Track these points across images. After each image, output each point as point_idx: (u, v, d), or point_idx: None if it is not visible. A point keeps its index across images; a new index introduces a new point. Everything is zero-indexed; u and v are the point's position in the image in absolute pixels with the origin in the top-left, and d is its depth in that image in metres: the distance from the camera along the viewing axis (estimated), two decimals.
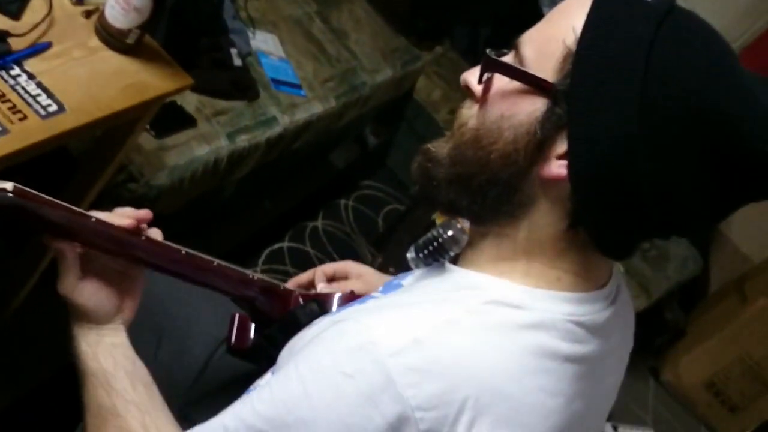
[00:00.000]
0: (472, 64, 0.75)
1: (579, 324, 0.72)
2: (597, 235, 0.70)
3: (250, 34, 2.07)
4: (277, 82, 2.05)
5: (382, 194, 2.85)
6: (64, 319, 0.82)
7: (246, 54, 1.99)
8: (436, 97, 2.81)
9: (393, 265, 2.02)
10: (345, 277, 1.12)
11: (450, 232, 1.89)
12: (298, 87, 2.12)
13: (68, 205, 0.77)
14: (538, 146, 0.67)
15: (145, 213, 0.85)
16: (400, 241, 2.10)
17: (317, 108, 2.13)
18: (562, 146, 0.67)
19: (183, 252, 0.88)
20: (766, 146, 0.62)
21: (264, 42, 2.13)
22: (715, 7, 3.17)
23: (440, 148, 0.75)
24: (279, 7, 2.34)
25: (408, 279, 0.87)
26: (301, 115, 2.05)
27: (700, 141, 0.63)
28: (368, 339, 0.66)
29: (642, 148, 0.63)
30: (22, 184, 0.73)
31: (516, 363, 0.68)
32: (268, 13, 2.26)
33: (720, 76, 0.63)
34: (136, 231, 0.82)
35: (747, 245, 3.16)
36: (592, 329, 0.73)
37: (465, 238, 1.87)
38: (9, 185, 0.72)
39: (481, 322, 0.68)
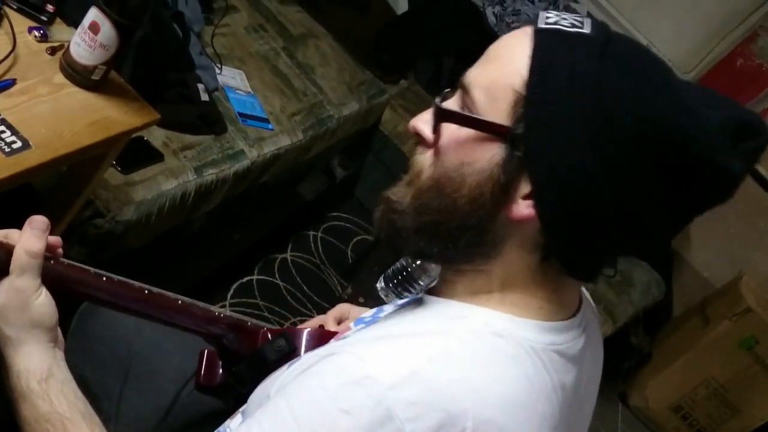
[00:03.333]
0: (435, 96, 0.75)
1: (559, 353, 0.73)
2: (569, 263, 0.71)
3: (217, 70, 2.08)
4: (245, 116, 2.06)
5: (351, 225, 2.86)
6: None
7: (213, 89, 2.00)
8: (402, 129, 2.85)
9: (362, 295, 2.02)
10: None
11: (418, 261, 1.91)
12: (266, 121, 2.14)
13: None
14: (502, 189, 0.68)
15: (56, 240, 0.81)
16: (369, 272, 2.10)
17: (285, 141, 2.15)
18: (525, 187, 0.68)
19: (146, 291, 0.86)
20: (711, 154, 0.64)
21: (231, 77, 2.15)
22: (671, 38, 3.29)
23: (402, 197, 0.75)
24: (245, 43, 2.36)
25: (383, 313, 0.87)
26: (268, 149, 2.06)
27: (653, 159, 0.65)
28: (364, 373, 0.64)
29: (602, 177, 0.65)
30: None
31: (510, 394, 0.68)
32: (235, 49, 2.28)
33: (663, 96, 0.65)
34: (51, 253, 0.79)
35: (708, 270, 3.22)
36: (570, 358, 0.74)
37: (434, 267, 1.89)
38: None
39: (473, 353, 0.68)
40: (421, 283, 1.93)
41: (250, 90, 2.18)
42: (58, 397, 0.74)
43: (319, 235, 2.71)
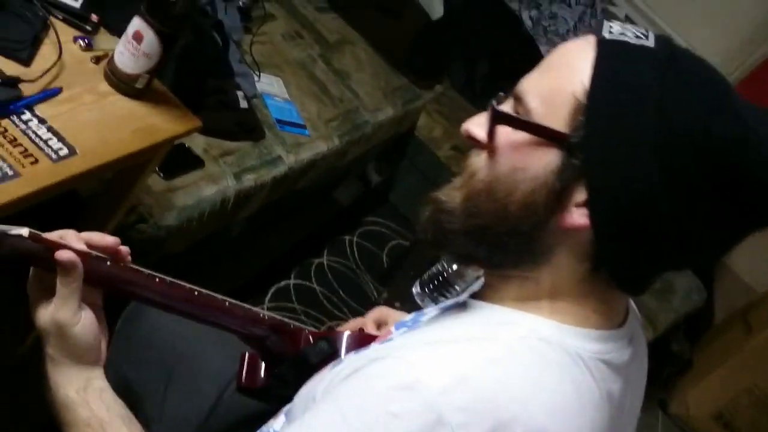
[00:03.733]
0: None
1: (606, 362, 0.72)
2: (619, 275, 0.71)
3: (256, 77, 2.11)
4: (282, 123, 2.08)
5: (386, 230, 2.86)
6: None
7: (251, 96, 2.03)
8: (437, 134, 2.85)
9: (398, 300, 2.02)
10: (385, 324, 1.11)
11: (455, 266, 1.90)
12: (303, 127, 2.16)
13: (84, 248, 0.78)
14: (556, 196, 0.68)
15: (124, 249, 0.83)
16: (405, 277, 2.11)
17: (321, 147, 2.16)
18: (580, 195, 0.67)
19: (195, 292, 0.88)
20: None
21: (269, 84, 2.17)
22: (712, 41, 3.23)
23: (452, 198, 0.74)
24: (283, 50, 2.38)
25: (424, 317, 0.87)
26: (305, 154, 2.08)
27: (712, 176, 0.64)
28: (414, 377, 0.64)
29: (660, 190, 0.65)
30: (33, 228, 0.74)
31: (559, 401, 0.68)
32: (273, 57, 2.31)
33: (725, 113, 0.65)
34: (116, 255, 0.81)
35: (750, 276, 3.16)
36: (616, 368, 0.73)
37: (470, 272, 1.88)
38: (25, 231, 0.73)
39: (521, 360, 0.68)
40: (458, 288, 1.92)
41: (287, 96, 2.21)
42: (97, 402, 0.77)
43: (355, 239, 2.71)
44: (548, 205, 0.68)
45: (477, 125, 0.73)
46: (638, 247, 0.67)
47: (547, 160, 0.68)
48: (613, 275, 0.70)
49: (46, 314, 0.76)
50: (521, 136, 0.69)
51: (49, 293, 0.76)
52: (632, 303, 0.84)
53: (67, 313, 0.75)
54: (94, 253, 0.79)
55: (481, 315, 0.75)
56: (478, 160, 0.73)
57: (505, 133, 0.70)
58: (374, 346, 0.79)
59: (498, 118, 0.70)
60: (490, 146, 0.71)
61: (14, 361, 1.55)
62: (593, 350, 0.71)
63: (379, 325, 1.13)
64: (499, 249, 0.72)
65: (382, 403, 0.64)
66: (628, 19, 3.41)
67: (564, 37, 3.28)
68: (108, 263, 0.80)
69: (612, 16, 3.33)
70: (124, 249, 0.83)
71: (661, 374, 3.01)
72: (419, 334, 0.78)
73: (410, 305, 1.96)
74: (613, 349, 0.73)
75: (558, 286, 0.72)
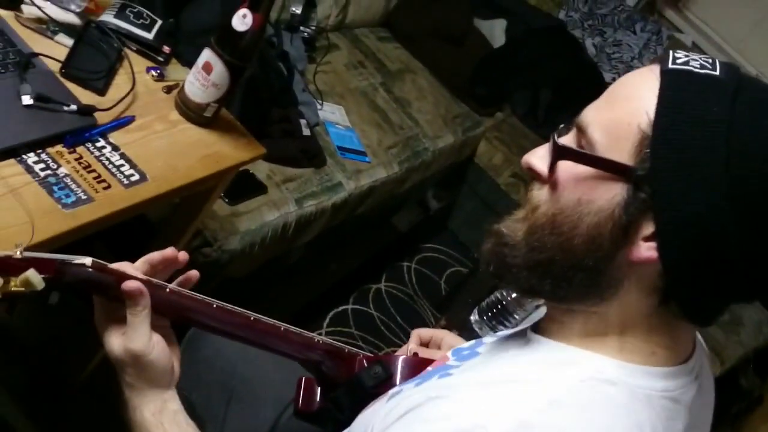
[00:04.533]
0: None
1: (673, 399, 0.70)
2: (688, 308, 0.69)
3: (318, 106, 2.15)
4: (343, 150, 2.11)
5: (445, 257, 2.86)
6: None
7: (314, 124, 2.07)
8: (498, 161, 2.84)
9: (456, 327, 2.01)
10: (437, 347, 1.10)
11: (514, 294, 1.88)
12: (363, 154, 2.18)
13: (144, 277, 0.81)
14: (623, 230, 0.66)
15: (194, 274, 0.87)
16: (463, 304, 2.09)
17: (381, 173, 2.18)
18: (648, 228, 0.65)
19: (251, 318, 0.89)
20: None
21: (331, 112, 2.21)
22: None
23: (514, 231, 0.73)
24: (345, 79, 2.43)
25: (483, 347, 0.86)
26: (365, 181, 2.10)
27: None
28: (474, 422, 0.63)
29: (731, 224, 0.63)
30: (104, 250, 0.77)
31: None
32: (336, 86, 2.35)
33: None
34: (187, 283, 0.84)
35: None
36: (683, 404, 0.71)
37: (529, 301, 1.86)
38: (88, 260, 0.76)
39: (583, 402, 0.66)
40: (517, 317, 1.90)
41: (348, 124, 2.24)
42: (171, 424, 0.79)
43: (413, 266, 2.72)
44: (614, 238, 0.66)
45: (538, 158, 0.72)
46: (708, 280, 0.66)
47: (612, 193, 0.66)
48: (683, 308, 0.68)
49: (120, 345, 0.78)
50: (584, 169, 0.68)
51: (116, 323, 0.79)
52: (699, 336, 0.81)
53: (140, 343, 0.77)
54: (154, 280, 0.82)
55: (543, 353, 0.73)
56: (541, 194, 0.71)
57: (567, 166, 0.69)
58: (433, 381, 0.78)
59: (560, 153, 0.69)
60: (551, 179, 0.70)
61: (74, 388, 1.59)
62: (659, 388, 0.69)
63: (428, 343, 1.11)
64: (564, 283, 0.70)
65: None
66: (695, 46, 3.34)
67: (629, 65, 3.24)
68: (168, 290, 0.82)
69: (678, 43, 3.27)
70: (194, 273, 0.85)
71: (729, 411, 2.89)
72: (478, 371, 0.77)
73: (468, 333, 1.95)
74: (681, 386, 0.71)
75: (626, 322, 0.70)
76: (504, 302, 1.90)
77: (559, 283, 0.70)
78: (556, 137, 0.70)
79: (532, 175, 0.73)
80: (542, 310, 0.83)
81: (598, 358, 0.70)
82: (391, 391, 0.84)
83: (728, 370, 2.62)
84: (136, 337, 0.77)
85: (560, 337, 0.74)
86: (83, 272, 0.75)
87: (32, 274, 0.70)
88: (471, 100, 2.85)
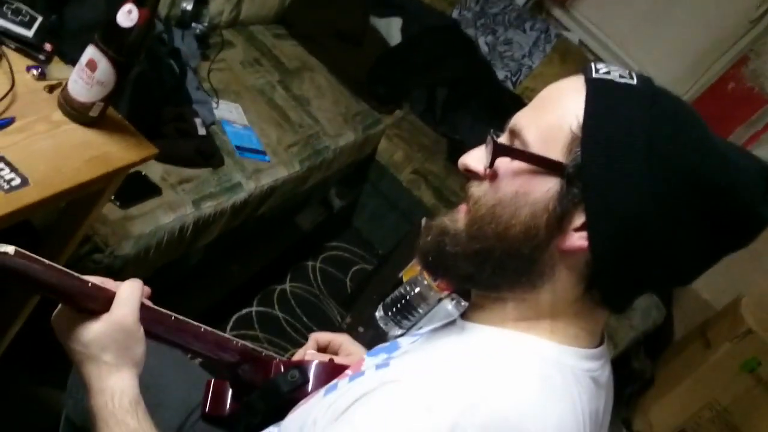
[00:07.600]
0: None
1: (594, 380, 0.76)
2: (609, 294, 0.75)
3: (214, 104, 2.11)
4: (242, 149, 2.08)
5: (349, 255, 2.86)
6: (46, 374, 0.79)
7: (210, 123, 2.02)
8: (398, 158, 2.87)
9: (362, 324, 2.02)
10: (335, 352, 1.11)
11: (417, 289, 1.91)
12: (263, 153, 2.16)
13: (66, 270, 0.79)
14: (557, 220, 0.72)
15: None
16: (368, 301, 2.10)
17: (282, 173, 2.16)
18: (579, 219, 0.72)
19: (172, 317, 0.89)
20: (751, 201, 0.71)
21: (228, 111, 2.17)
22: (662, 63, 3.33)
23: (455, 222, 0.78)
24: (241, 77, 2.39)
25: (410, 340, 0.89)
26: (266, 180, 2.07)
27: (699, 204, 0.70)
28: (434, 398, 0.67)
29: (652, 215, 0.70)
30: None
31: (565, 421, 0.71)
32: (231, 83, 2.31)
33: (707, 146, 0.71)
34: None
35: (708, 292, 3.22)
36: (601, 385, 0.78)
37: (432, 294, 1.89)
38: (11, 248, 0.74)
39: (530, 379, 0.71)
40: (420, 311, 1.93)
41: (246, 123, 2.20)
42: (145, 417, 0.81)
43: (318, 265, 2.71)
44: (549, 228, 0.72)
45: (474, 159, 0.78)
46: (630, 268, 0.72)
47: (547, 186, 0.72)
48: (605, 294, 0.75)
49: (110, 319, 0.80)
50: (521, 164, 0.74)
51: (86, 314, 0.81)
52: None
53: (133, 323, 0.81)
54: (74, 273, 0.80)
55: (483, 337, 0.78)
56: (481, 188, 0.77)
57: (504, 163, 0.75)
58: (379, 372, 0.79)
59: (500, 150, 0.75)
60: (491, 175, 0.76)
61: None
62: (584, 368, 0.75)
63: (325, 348, 1.12)
64: (500, 270, 0.75)
65: (404, 424, 0.67)
66: (582, 44, 3.49)
67: (519, 63, 3.34)
68: (90, 284, 0.81)
69: (566, 42, 3.41)
70: (146, 289, 0.87)
71: (623, 393, 3.03)
72: (422, 356, 0.80)
73: (374, 329, 1.96)
74: (599, 367, 0.78)
75: (556, 307, 0.76)
76: (407, 297, 1.93)
77: (495, 271, 0.75)
78: (494, 137, 0.76)
79: (468, 175, 0.79)
80: (446, 304, 0.86)
81: (534, 339, 0.75)
82: (325, 387, 0.85)
83: (621, 353, 2.74)
84: (130, 316, 0.81)
85: (495, 323, 0.78)
86: (6, 261, 0.73)
87: None
88: (370, 98, 2.87)
